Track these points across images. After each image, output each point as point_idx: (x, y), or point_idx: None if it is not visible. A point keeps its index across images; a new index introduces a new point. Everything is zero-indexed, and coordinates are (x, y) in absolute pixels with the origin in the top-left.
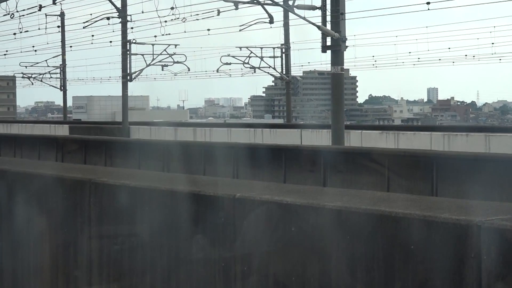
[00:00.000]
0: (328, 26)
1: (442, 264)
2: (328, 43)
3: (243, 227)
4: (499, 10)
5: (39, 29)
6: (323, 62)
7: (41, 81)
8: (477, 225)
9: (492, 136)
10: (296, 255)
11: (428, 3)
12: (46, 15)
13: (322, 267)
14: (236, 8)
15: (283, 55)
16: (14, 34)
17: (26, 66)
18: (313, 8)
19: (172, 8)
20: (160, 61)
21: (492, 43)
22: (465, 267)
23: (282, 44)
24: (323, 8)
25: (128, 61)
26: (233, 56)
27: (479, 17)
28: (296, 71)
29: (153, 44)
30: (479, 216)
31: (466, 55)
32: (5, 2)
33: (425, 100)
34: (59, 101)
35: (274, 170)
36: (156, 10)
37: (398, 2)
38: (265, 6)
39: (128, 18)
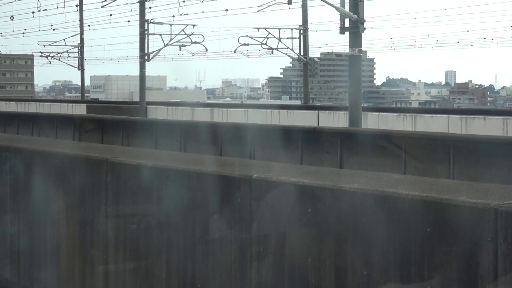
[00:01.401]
0: (347, 8)
1: (458, 247)
2: (346, 24)
3: (260, 208)
4: None
5: (57, 7)
6: (341, 43)
7: (59, 60)
8: (494, 208)
9: (510, 120)
10: (312, 236)
11: None
12: None
13: (338, 249)
14: None
15: (301, 36)
16: (33, 12)
17: (44, 45)
18: None
19: None
20: (178, 41)
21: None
22: (481, 250)
23: (300, 25)
24: None
25: (146, 41)
26: (251, 37)
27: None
28: (314, 53)
29: (171, 24)
30: (496, 199)
31: (485, 38)
32: None
33: (443, 83)
34: (76, 80)
35: (290, 152)
36: None
37: None
38: None
39: None
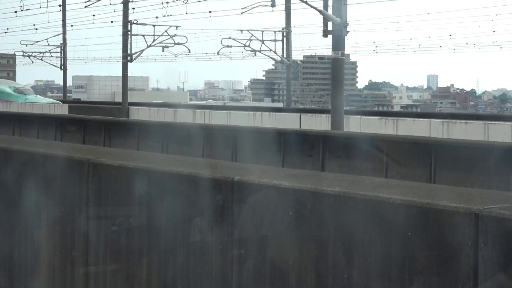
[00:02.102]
0: (330, 11)
1: (439, 252)
2: (330, 27)
3: (241, 211)
4: None
5: (40, 7)
6: (324, 46)
7: (42, 59)
8: (475, 213)
9: (491, 125)
10: (293, 240)
11: None
12: None
13: (319, 253)
14: None
15: (284, 38)
16: (15, 12)
17: (26, 45)
18: None
19: None
20: (161, 42)
21: (494, 31)
22: (462, 255)
23: (283, 28)
24: None
25: (128, 41)
26: (234, 39)
27: (480, 5)
28: (296, 55)
29: (154, 25)
30: (477, 204)
31: (467, 43)
32: None
33: (425, 87)
34: (59, 80)
35: (272, 154)
36: None
37: None
38: None
39: None
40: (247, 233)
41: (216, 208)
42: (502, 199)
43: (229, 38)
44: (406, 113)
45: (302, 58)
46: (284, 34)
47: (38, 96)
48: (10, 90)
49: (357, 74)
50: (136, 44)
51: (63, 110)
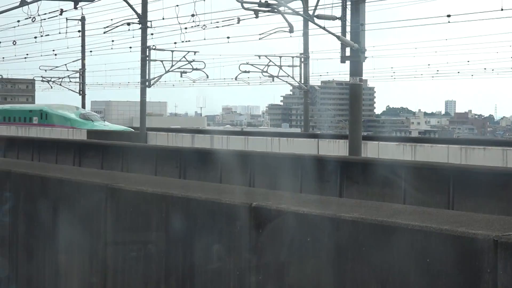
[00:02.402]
0: (348, 37)
1: (457, 279)
2: (347, 53)
3: (259, 237)
4: None
5: (59, 33)
6: (341, 72)
7: (60, 85)
8: (494, 239)
9: (510, 151)
10: (312, 266)
11: (448, 15)
12: (67, 19)
13: (338, 279)
14: (256, 17)
15: (302, 64)
16: (35, 37)
17: (45, 70)
18: (333, 18)
19: (192, 15)
20: (179, 68)
21: None
22: (480, 282)
23: (301, 53)
24: (343, 18)
25: (147, 67)
26: (251, 64)
27: (499, 31)
28: (314, 81)
29: (172, 51)
30: (495, 231)
31: (485, 69)
32: (26, 6)
33: (443, 112)
34: (77, 105)
35: (290, 180)
36: (177, 17)
37: (418, 14)
38: (285, 15)
39: (148, 24)
40: (265, 260)
41: (234, 234)
42: None
43: (247, 63)
44: (424, 138)
45: (319, 84)
46: (302, 59)
47: (106, 122)
48: (75, 116)
49: (375, 100)
50: (155, 70)
51: (82, 135)
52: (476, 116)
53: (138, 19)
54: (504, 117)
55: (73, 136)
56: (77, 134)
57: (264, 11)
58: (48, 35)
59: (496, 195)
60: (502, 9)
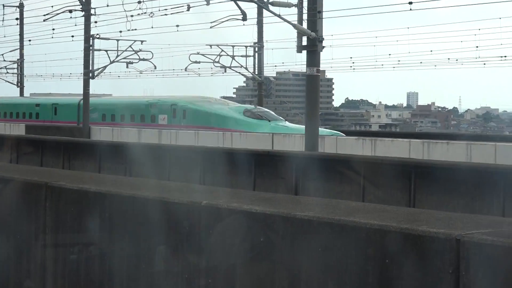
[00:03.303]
0: (305, 25)
1: (418, 280)
2: (304, 43)
3: (209, 237)
4: (484, 12)
5: None
6: (298, 62)
7: None
8: (456, 238)
9: (474, 145)
10: (265, 267)
11: (410, 3)
12: (3, 6)
13: (292, 280)
14: (207, 4)
15: (256, 54)
16: None
17: None
18: (289, 5)
19: (139, 2)
20: (125, 58)
21: (477, 47)
22: (442, 283)
23: (255, 43)
24: (299, 5)
25: (90, 57)
26: (202, 54)
27: (463, 19)
28: (269, 72)
29: (118, 40)
30: (458, 229)
31: (449, 59)
32: None
33: (405, 105)
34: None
35: (243, 177)
36: (122, 4)
37: (378, 2)
38: (238, 2)
39: (92, 11)
40: (216, 261)
41: (182, 235)
42: (484, 224)
43: (198, 53)
44: (385, 132)
45: (275, 75)
46: (256, 49)
47: (287, 122)
48: (236, 113)
49: (333, 92)
50: (99, 60)
51: (19, 130)
52: (440, 109)
53: (80, 6)
54: (468, 109)
55: (10, 131)
56: (14, 129)
57: None
58: None
59: (458, 192)
60: None
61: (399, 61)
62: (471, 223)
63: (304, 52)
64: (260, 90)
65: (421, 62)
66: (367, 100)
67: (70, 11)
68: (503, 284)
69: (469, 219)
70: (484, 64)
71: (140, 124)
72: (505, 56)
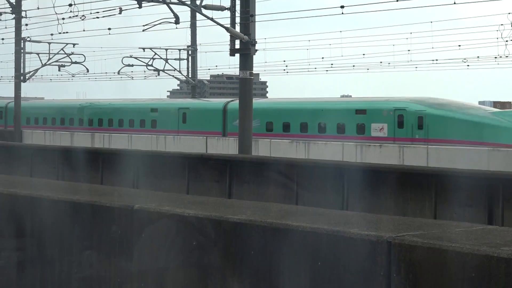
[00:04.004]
0: (238, 28)
1: (350, 282)
2: (237, 46)
3: (141, 241)
4: (416, 16)
5: None
6: (231, 65)
7: None
8: (387, 241)
9: (406, 148)
10: (197, 271)
11: (342, 6)
12: None
13: (224, 285)
14: (140, 7)
15: (189, 57)
16: None
17: None
18: (221, 8)
19: (70, 5)
20: (57, 61)
21: (409, 50)
22: (374, 285)
23: (188, 46)
24: (232, 9)
25: (22, 60)
26: (135, 58)
27: (395, 23)
28: (203, 75)
29: (49, 43)
30: (389, 232)
31: (381, 62)
32: None
33: None
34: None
35: (177, 180)
36: (53, 7)
37: (311, 5)
38: (171, 6)
39: (23, 14)
40: (148, 265)
41: (114, 239)
42: (415, 226)
43: (131, 56)
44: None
45: (208, 78)
46: (190, 52)
47: None
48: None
49: (267, 95)
50: (30, 63)
51: None
52: None
53: (11, 9)
54: None
55: None
56: None
57: (148, 1)
58: None
59: (391, 194)
60: (397, 0)
61: (332, 64)
62: (402, 225)
63: (237, 55)
64: (194, 93)
65: (353, 66)
66: None
67: (0, 14)
68: (434, 286)
69: (400, 222)
70: (416, 67)
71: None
72: (437, 60)
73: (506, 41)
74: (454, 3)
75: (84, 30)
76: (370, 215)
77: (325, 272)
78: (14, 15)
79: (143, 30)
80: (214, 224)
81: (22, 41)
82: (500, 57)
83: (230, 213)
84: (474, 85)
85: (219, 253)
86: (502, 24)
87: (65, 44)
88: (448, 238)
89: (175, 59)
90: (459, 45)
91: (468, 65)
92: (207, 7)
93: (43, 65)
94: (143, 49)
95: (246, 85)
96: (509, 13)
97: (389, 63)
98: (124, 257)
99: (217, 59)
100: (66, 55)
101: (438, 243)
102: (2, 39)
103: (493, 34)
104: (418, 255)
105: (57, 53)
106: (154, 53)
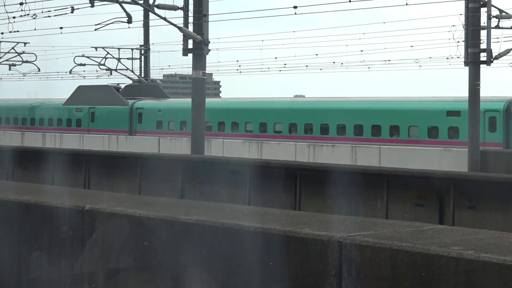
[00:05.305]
0: (191, 28)
1: (302, 282)
2: (190, 46)
3: (93, 242)
4: (369, 16)
5: None
6: (184, 65)
7: None
8: (338, 241)
9: (359, 148)
10: (148, 272)
11: (295, 7)
12: None
13: (175, 285)
14: (92, 6)
15: (142, 57)
16: None
17: None
18: (174, 8)
19: (21, 4)
20: (7, 60)
21: (361, 51)
22: (325, 285)
23: (141, 46)
24: (185, 8)
25: None
26: (88, 57)
27: (348, 23)
28: (156, 75)
29: None
30: (340, 231)
31: (334, 62)
32: None
33: None
34: None
35: (129, 180)
36: (4, 5)
37: (264, 5)
38: (123, 5)
39: None
40: (99, 267)
41: (65, 240)
42: (366, 226)
43: (83, 56)
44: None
45: (161, 78)
46: (142, 52)
47: None
48: None
49: (220, 95)
50: None
51: None
52: None
53: None
54: None
55: None
56: None
57: (101, 0)
58: None
59: (343, 194)
60: (350, 1)
61: (285, 64)
62: (353, 225)
63: (191, 55)
64: None
65: (307, 66)
66: None
67: None
68: (384, 286)
69: (352, 221)
70: (369, 68)
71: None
72: (389, 60)
73: (458, 42)
74: (407, 4)
75: (35, 29)
76: (322, 215)
77: (276, 271)
78: None
79: (95, 29)
80: (165, 225)
81: None
82: (452, 57)
83: (182, 213)
84: (425, 85)
85: (171, 254)
86: (454, 25)
87: (16, 43)
88: (399, 238)
89: (127, 58)
90: (412, 46)
91: (420, 66)
92: (160, 6)
93: None
94: (96, 48)
95: (199, 85)
96: (460, 14)
97: (342, 63)
98: (75, 258)
99: (170, 58)
100: (17, 54)
101: (388, 243)
102: None
103: (445, 35)
104: (369, 255)
105: (8, 52)
106: (106, 53)
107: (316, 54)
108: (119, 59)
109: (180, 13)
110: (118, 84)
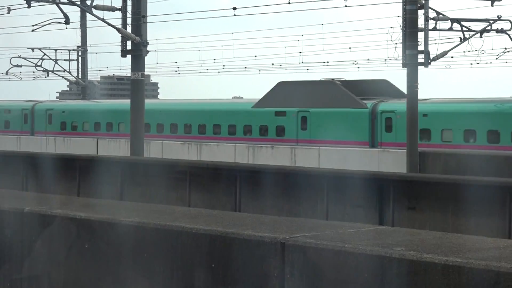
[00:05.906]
0: (129, 29)
1: (245, 283)
2: (129, 47)
3: (33, 245)
4: (307, 18)
5: None
6: (123, 67)
7: None
8: (280, 242)
9: (298, 149)
10: (90, 274)
11: (234, 8)
12: None
13: (117, 287)
14: (29, 6)
15: (80, 58)
16: None
17: None
18: (113, 9)
19: None
20: None
21: (300, 52)
22: (268, 286)
23: (78, 47)
24: (123, 9)
25: None
26: (24, 58)
27: (286, 25)
28: (93, 76)
29: None
30: (283, 233)
31: (273, 64)
32: None
33: None
34: None
35: (67, 182)
36: None
37: (203, 7)
38: (61, 6)
39: None
40: (40, 270)
41: (3, 243)
42: (308, 227)
43: (19, 57)
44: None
45: (99, 79)
46: (79, 53)
47: None
48: None
49: (159, 96)
50: None
51: None
52: None
53: None
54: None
55: None
56: None
57: (37, 0)
58: None
59: (283, 195)
60: (289, 2)
61: (224, 66)
62: (295, 226)
63: (129, 56)
64: (84, 94)
65: (245, 67)
66: None
67: None
68: (327, 286)
69: (294, 223)
70: (308, 69)
71: None
72: (328, 62)
73: (396, 43)
74: (345, 6)
75: None
76: (264, 217)
77: (219, 273)
78: None
79: (32, 30)
80: (107, 227)
81: None
82: (390, 59)
83: (123, 215)
84: None
85: (112, 256)
86: (391, 27)
87: None
88: (341, 239)
89: (64, 59)
90: (350, 48)
91: (358, 67)
92: (97, 7)
93: None
94: (32, 49)
95: (138, 86)
96: (398, 16)
97: (280, 65)
98: (14, 260)
99: (108, 60)
100: None
101: (331, 244)
102: None
103: (383, 36)
104: (312, 256)
105: None
106: (43, 54)
107: (255, 56)
108: (56, 60)
109: (119, 14)
110: None
